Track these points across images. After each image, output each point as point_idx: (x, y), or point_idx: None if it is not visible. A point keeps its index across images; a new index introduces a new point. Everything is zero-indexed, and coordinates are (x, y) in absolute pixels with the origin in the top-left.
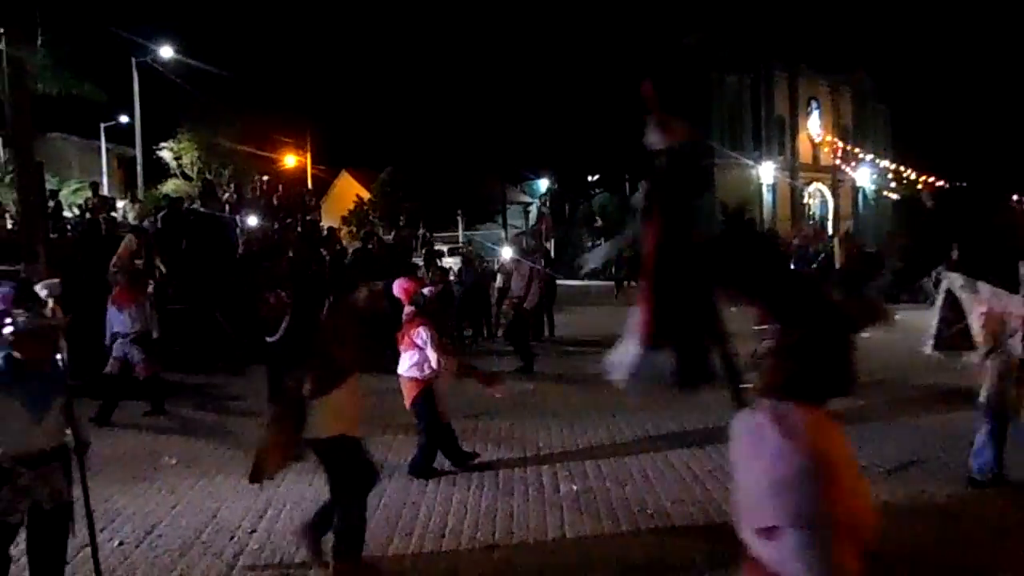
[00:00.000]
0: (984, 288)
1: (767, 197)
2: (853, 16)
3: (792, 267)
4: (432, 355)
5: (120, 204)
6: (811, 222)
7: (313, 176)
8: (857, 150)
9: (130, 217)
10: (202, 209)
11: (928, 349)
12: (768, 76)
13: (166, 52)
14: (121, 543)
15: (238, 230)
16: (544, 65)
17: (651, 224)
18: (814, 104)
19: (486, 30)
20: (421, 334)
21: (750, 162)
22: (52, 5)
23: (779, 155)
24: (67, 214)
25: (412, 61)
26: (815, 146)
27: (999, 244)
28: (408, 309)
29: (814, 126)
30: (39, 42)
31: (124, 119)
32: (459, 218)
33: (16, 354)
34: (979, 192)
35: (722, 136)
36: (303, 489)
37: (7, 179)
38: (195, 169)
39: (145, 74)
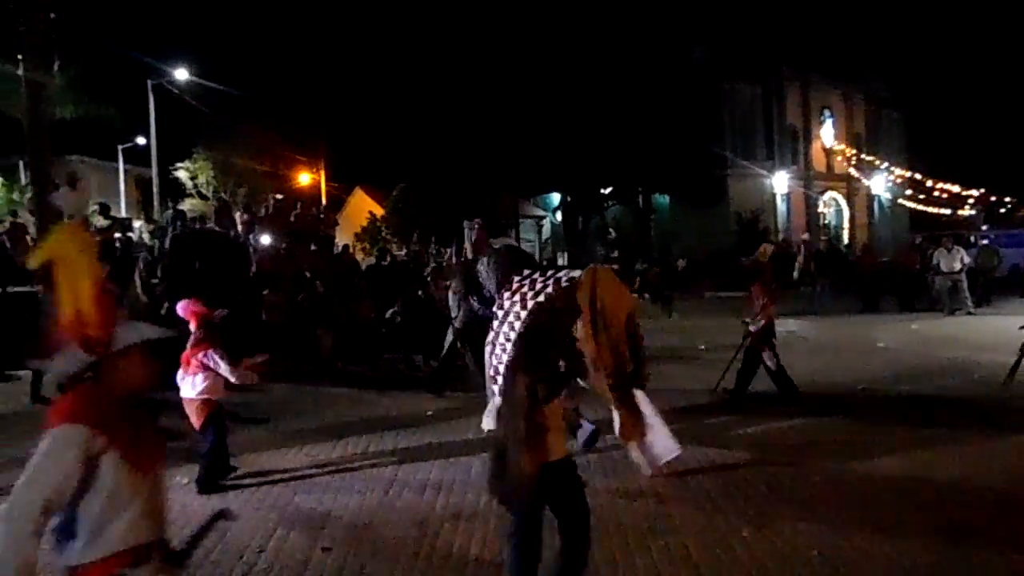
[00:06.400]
0: None
1: (781, 207)
2: (865, 23)
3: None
4: (229, 375)
5: (137, 224)
6: (826, 231)
7: (327, 193)
8: (871, 158)
9: (146, 238)
10: (216, 228)
11: None
12: (780, 86)
13: (181, 74)
14: None
15: (251, 249)
16: (555, 80)
17: None
18: (827, 112)
19: (497, 46)
20: (213, 357)
21: (763, 172)
22: (68, 30)
23: (792, 164)
24: None
25: (423, 78)
26: (829, 155)
27: None
28: (197, 331)
29: (827, 134)
30: (56, 67)
31: (141, 140)
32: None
33: None
34: None
35: (734, 146)
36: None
37: (26, 200)
38: (210, 188)
39: (161, 95)
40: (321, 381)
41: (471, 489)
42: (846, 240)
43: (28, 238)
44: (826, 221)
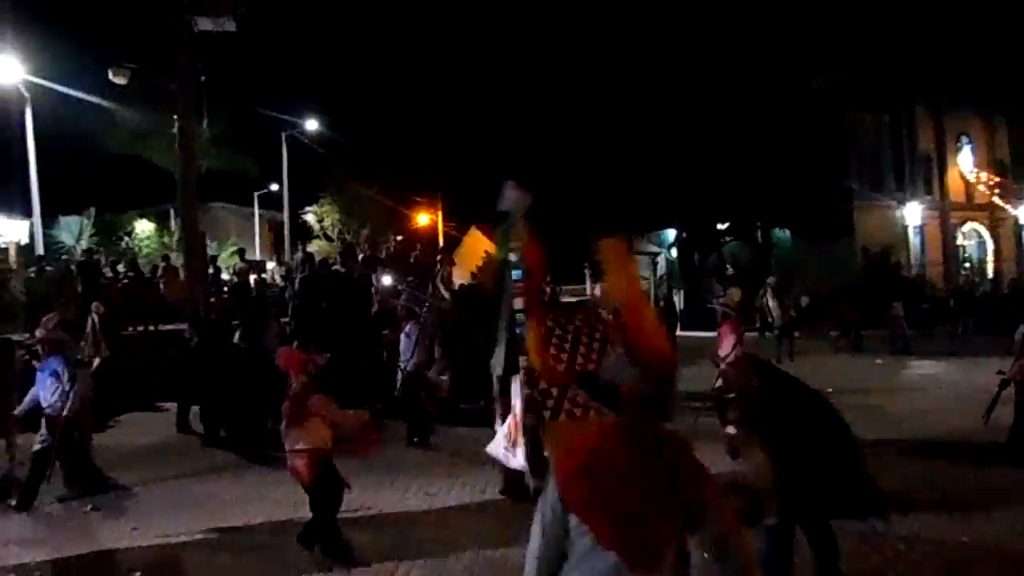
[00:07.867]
0: None
1: (914, 240)
2: (1002, 42)
3: None
4: (337, 418)
5: (270, 266)
6: (967, 266)
7: (444, 233)
8: (1019, 185)
9: (278, 279)
10: (341, 270)
11: None
12: (910, 112)
13: (310, 124)
14: None
15: (372, 288)
16: (671, 114)
17: None
18: (965, 138)
19: (613, 84)
20: (317, 403)
21: (893, 203)
22: (214, 91)
23: (926, 195)
24: (225, 276)
25: (538, 115)
26: (968, 183)
27: None
28: (301, 379)
29: (966, 161)
30: (204, 124)
31: (274, 187)
32: (586, 271)
33: None
34: None
35: (861, 177)
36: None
37: (177, 245)
38: (335, 230)
39: (292, 145)
40: (440, 419)
41: None
42: (990, 274)
43: (179, 280)
44: (966, 254)
